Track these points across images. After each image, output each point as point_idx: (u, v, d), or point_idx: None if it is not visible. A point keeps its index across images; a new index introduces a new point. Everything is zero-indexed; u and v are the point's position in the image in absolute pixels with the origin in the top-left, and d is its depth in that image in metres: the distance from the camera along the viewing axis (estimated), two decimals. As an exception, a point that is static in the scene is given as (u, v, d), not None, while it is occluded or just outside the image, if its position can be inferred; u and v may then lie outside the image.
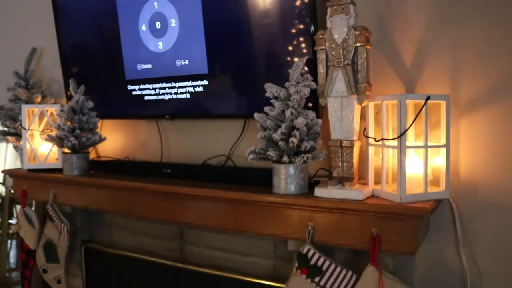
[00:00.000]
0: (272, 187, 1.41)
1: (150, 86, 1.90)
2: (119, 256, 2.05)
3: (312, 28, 1.47)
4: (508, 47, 1.30)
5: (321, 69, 1.35)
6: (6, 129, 2.28)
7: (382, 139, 1.29)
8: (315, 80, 1.36)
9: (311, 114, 1.35)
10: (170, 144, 2.04)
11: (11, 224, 3.25)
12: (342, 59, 1.30)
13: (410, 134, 1.32)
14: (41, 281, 2.29)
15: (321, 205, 1.30)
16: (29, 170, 2.09)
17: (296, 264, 1.34)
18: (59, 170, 2.02)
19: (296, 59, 1.49)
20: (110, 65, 2.02)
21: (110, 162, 2.09)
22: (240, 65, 1.66)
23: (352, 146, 1.32)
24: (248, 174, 1.63)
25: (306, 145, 1.33)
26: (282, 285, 1.52)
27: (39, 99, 2.26)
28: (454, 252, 1.40)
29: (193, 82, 1.77)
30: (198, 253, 1.83)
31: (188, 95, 1.80)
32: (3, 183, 3.61)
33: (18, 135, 2.26)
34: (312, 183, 1.42)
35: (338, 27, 1.30)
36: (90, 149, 2.01)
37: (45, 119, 2.10)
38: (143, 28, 1.87)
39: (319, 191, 1.33)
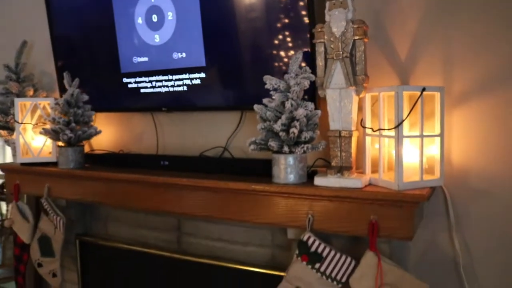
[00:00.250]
0: (272, 177, 1.44)
1: (147, 79, 1.91)
2: (115, 249, 2.05)
3: (308, 21, 1.49)
4: (498, 41, 1.36)
5: (319, 62, 1.38)
6: (-3, 122, 2.26)
7: (380, 129, 1.33)
8: (313, 72, 1.40)
9: (310, 105, 1.39)
10: (165, 136, 2.05)
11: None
12: (341, 52, 1.33)
13: (405, 124, 1.36)
14: (34, 275, 2.29)
15: (320, 193, 1.34)
16: (22, 164, 2.08)
17: (297, 252, 1.38)
18: (53, 164, 2.01)
19: (292, 52, 1.52)
20: (105, 58, 2.01)
21: (105, 155, 2.09)
22: (238, 57, 1.68)
23: (350, 136, 1.36)
24: (245, 165, 1.66)
25: (305, 136, 1.36)
26: (281, 273, 1.54)
27: (31, 92, 2.24)
28: (447, 237, 1.46)
29: (190, 75, 1.79)
30: (196, 244, 1.85)
31: (185, 88, 1.82)
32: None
33: (9, 129, 2.23)
34: (310, 173, 1.45)
35: (336, 21, 1.33)
36: (84, 142, 2.00)
37: (38, 113, 2.09)
38: (139, 21, 1.87)
39: (318, 180, 1.37)
